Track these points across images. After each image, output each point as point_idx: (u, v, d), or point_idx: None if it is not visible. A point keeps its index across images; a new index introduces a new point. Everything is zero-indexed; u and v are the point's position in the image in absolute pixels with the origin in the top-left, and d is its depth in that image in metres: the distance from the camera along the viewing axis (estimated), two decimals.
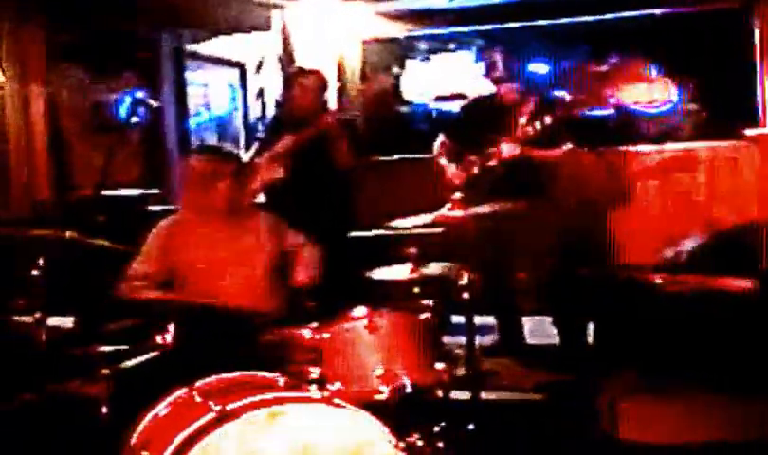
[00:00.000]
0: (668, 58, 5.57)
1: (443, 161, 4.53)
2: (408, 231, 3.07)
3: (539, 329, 4.74)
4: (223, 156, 3.37)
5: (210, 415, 2.22)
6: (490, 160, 4.33)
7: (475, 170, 4.37)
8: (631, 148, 5.62)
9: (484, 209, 3.22)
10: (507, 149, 4.27)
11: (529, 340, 4.67)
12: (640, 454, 3.09)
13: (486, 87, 4.67)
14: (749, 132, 5.37)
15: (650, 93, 5.60)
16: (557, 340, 4.47)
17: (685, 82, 5.63)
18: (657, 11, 5.59)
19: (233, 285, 3.16)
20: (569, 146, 4.32)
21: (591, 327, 4.19)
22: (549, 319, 4.58)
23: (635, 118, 5.67)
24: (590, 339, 4.17)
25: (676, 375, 3.57)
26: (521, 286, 4.61)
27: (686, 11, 5.57)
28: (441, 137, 4.64)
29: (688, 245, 4.64)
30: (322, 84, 4.77)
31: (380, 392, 2.51)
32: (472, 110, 4.74)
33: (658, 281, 4.23)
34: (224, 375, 2.49)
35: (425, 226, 3.04)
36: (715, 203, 5.41)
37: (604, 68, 5.57)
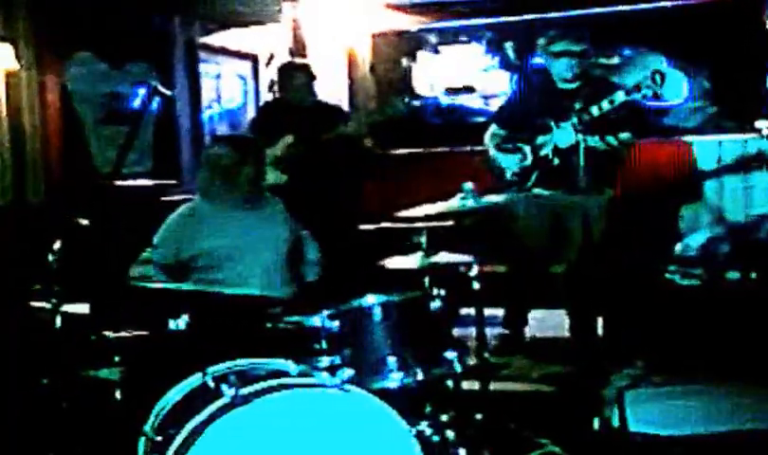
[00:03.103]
0: (679, 50, 5.56)
1: (494, 152, 4.34)
2: (419, 223, 3.08)
3: (548, 322, 4.74)
4: (245, 145, 3.42)
5: (223, 401, 2.25)
6: (543, 149, 4.17)
7: (528, 159, 4.21)
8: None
9: (494, 198, 3.20)
10: (562, 137, 4.07)
11: (539, 334, 4.67)
12: (648, 447, 3.10)
13: (503, 77, 4.51)
14: (760, 124, 5.35)
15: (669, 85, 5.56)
16: (566, 333, 4.46)
17: (695, 75, 5.62)
18: (668, 3, 5.57)
19: (250, 273, 3.19)
20: (628, 135, 4.11)
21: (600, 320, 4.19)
22: (558, 312, 4.56)
23: (644, 110, 5.65)
24: (601, 332, 4.16)
25: (685, 368, 3.58)
26: (556, 280, 4.38)
27: (698, 3, 5.54)
28: (492, 127, 4.44)
29: (699, 238, 4.63)
30: (312, 78, 4.81)
31: (391, 380, 2.53)
32: (524, 94, 4.51)
33: (669, 275, 4.23)
34: (236, 362, 2.52)
35: (436, 216, 3.05)
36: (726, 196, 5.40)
37: (615, 60, 5.56)
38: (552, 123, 4.13)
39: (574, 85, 4.20)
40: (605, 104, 3.96)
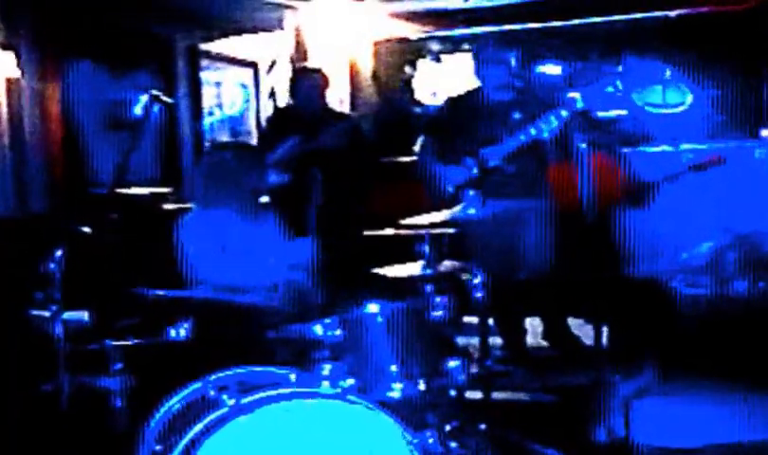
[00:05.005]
0: (683, 59, 5.56)
1: (433, 164, 4.19)
2: (421, 230, 3.06)
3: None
4: (252, 152, 3.42)
5: (224, 409, 2.23)
6: (491, 160, 4.08)
7: (474, 170, 4.11)
8: (647, 149, 5.57)
9: (497, 207, 3.19)
10: (506, 150, 4.02)
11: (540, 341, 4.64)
12: None
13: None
14: (766, 132, 5.35)
15: (665, 94, 5.58)
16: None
17: (700, 84, 5.61)
18: (672, 13, 5.57)
19: (250, 280, 3.18)
20: (581, 146, 4.13)
21: (591, 329, 4.15)
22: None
23: (649, 119, 5.65)
24: (590, 341, 4.13)
25: (693, 377, 3.56)
26: (525, 289, 4.32)
27: (702, 12, 5.54)
28: (422, 138, 4.33)
29: (706, 247, 4.61)
30: (325, 83, 4.79)
31: (393, 390, 2.51)
32: (459, 107, 4.35)
33: (676, 283, 4.22)
34: (237, 370, 2.51)
35: (438, 224, 3.03)
36: (732, 205, 5.37)
37: (619, 69, 5.56)
38: (501, 133, 4.07)
39: (506, 96, 4.15)
40: (562, 114, 3.89)
